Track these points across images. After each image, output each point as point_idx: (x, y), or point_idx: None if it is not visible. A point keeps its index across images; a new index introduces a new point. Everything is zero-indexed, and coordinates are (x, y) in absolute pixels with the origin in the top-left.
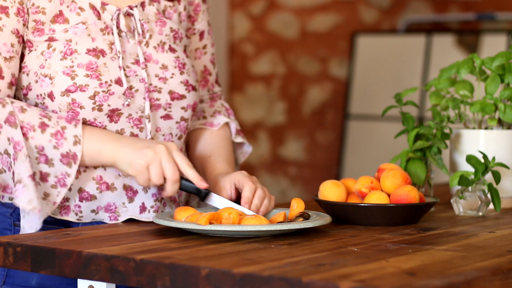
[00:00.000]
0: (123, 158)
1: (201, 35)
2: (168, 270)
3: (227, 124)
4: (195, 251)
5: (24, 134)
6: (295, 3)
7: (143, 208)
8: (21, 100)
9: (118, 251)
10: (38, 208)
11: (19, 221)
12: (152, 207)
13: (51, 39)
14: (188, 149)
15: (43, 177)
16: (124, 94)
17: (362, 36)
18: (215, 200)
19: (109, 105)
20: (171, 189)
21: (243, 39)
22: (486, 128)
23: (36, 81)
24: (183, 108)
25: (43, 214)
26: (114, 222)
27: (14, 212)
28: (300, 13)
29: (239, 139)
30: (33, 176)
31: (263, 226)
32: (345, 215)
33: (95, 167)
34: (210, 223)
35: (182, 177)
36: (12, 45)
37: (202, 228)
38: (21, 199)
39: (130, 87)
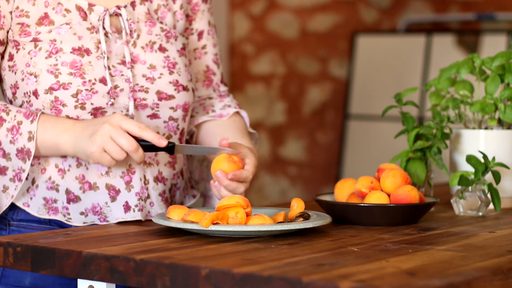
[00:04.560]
0: (80, 150)
1: (200, 35)
2: (168, 270)
3: (237, 114)
4: (195, 251)
5: None
6: (295, 3)
7: (127, 207)
8: (10, 100)
9: (118, 251)
10: None
11: (14, 220)
12: (136, 206)
13: (36, 40)
14: (197, 143)
15: (2, 171)
16: (108, 93)
17: (362, 36)
18: (185, 149)
19: (92, 104)
20: (136, 157)
21: (243, 39)
22: (486, 128)
23: (23, 79)
24: (172, 108)
25: (1, 207)
26: (104, 223)
27: (9, 211)
28: (300, 13)
29: (250, 130)
30: None
31: (263, 226)
32: (345, 215)
33: (78, 166)
34: (213, 223)
35: (143, 141)
36: None
37: (202, 228)
38: None
39: (115, 87)
